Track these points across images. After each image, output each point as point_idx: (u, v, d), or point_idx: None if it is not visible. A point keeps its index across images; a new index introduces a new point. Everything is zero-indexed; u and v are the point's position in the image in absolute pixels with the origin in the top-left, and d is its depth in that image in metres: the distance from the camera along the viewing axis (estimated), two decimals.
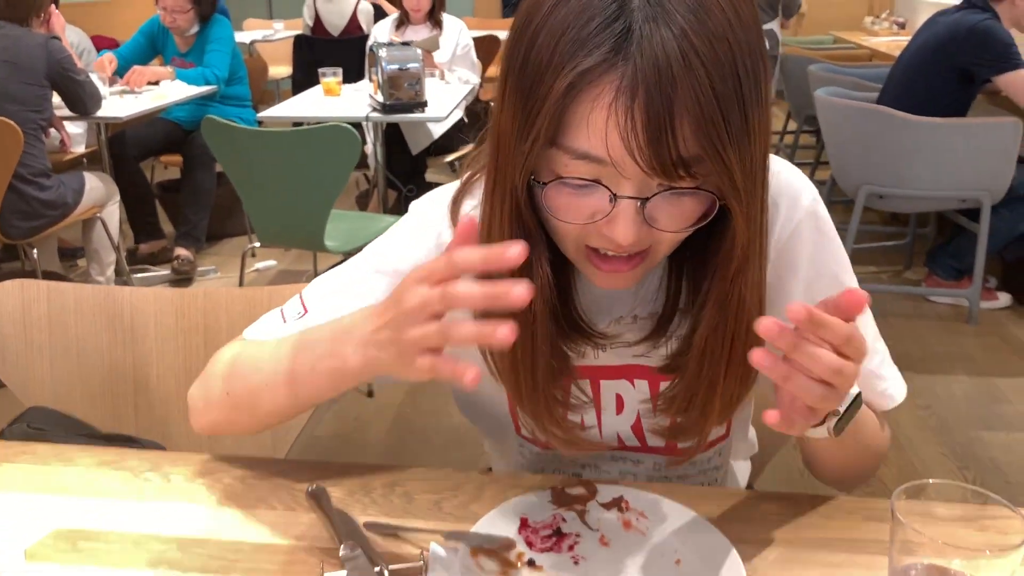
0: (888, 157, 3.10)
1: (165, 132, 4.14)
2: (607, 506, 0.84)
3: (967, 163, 3.08)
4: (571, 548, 0.80)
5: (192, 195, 3.98)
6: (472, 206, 0.85)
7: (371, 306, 0.73)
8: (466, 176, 0.87)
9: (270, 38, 6.22)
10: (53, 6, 3.50)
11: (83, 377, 1.34)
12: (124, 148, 3.93)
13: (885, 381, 0.91)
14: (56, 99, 3.21)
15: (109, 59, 3.88)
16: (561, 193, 0.71)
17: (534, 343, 0.79)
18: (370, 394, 2.85)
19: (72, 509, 0.88)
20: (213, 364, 0.93)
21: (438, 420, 2.71)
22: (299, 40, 5.46)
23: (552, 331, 0.81)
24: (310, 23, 5.73)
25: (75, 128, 3.96)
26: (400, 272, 0.87)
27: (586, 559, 0.78)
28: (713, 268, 0.76)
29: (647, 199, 0.68)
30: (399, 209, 3.90)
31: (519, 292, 0.59)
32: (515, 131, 0.70)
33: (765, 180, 0.73)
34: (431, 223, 0.90)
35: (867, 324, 0.89)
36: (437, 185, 0.95)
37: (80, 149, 4.08)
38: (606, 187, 0.68)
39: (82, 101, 3.21)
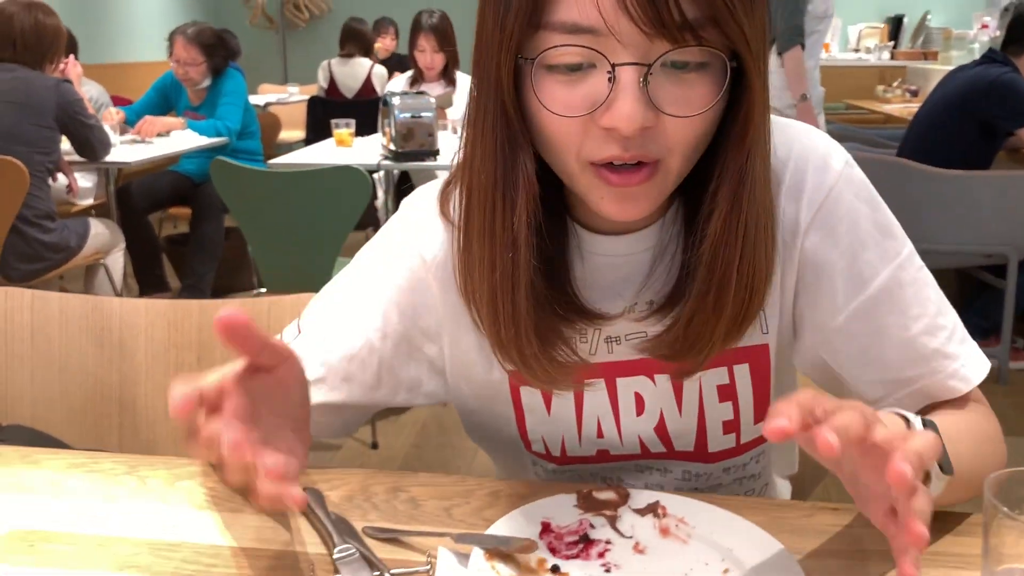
0: (909, 211, 3.00)
1: (174, 184, 4.11)
2: (641, 512, 0.73)
3: (992, 217, 3.00)
4: (601, 555, 0.68)
5: (199, 246, 3.93)
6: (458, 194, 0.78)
7: None
8: (455, 165, 0.79)
9: (285, 101, 6.27)
10: (72, 56, 3.51)
11: (65, 393, 1.25)
12: (132, 199, 3.89)
13: (955, 361, 0.79)
14: (66, 145, 3.18)
15: (116, 111, 3.88)
16: (553, 83, 0.64)
17: (515, 312, 0.72)
18: (374, 446, 2.73)
19: (32, 510, 0.78)
20: None
21: (445, 469, 2.58)
22: (313, 101, 5.49)
23: (543, 307, 0.73)
24: (324, 86, 5.77)
25: (84, 182, 3.93)
26: (381, 276, 0.84)
27: (619, 567, 0.67)
28: (725, 151, 0.69)
29: (649, 69, 0.61)
30: None
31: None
32: (496, 18, 0.64)
33: (767, 53, 0.66)
34: (409, 222, 0.85)
35: (927, 298, 0.79)
36: None
37: (88, 202, 4.05)
38: (603, 55, 0.61)
39: (91, 146, 3.18)
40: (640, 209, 0.69)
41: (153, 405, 1.26)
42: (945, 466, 0.65)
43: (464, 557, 0.66)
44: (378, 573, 0.65)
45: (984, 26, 5.25)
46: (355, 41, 5.68)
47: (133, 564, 0.70)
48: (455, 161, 0.78)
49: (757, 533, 0.69)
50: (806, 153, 0.77)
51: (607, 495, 0.75)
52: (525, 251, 0.70)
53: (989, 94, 3.02)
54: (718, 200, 0.69)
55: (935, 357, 0.78)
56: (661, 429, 0.84)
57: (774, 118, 0.74)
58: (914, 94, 5.57)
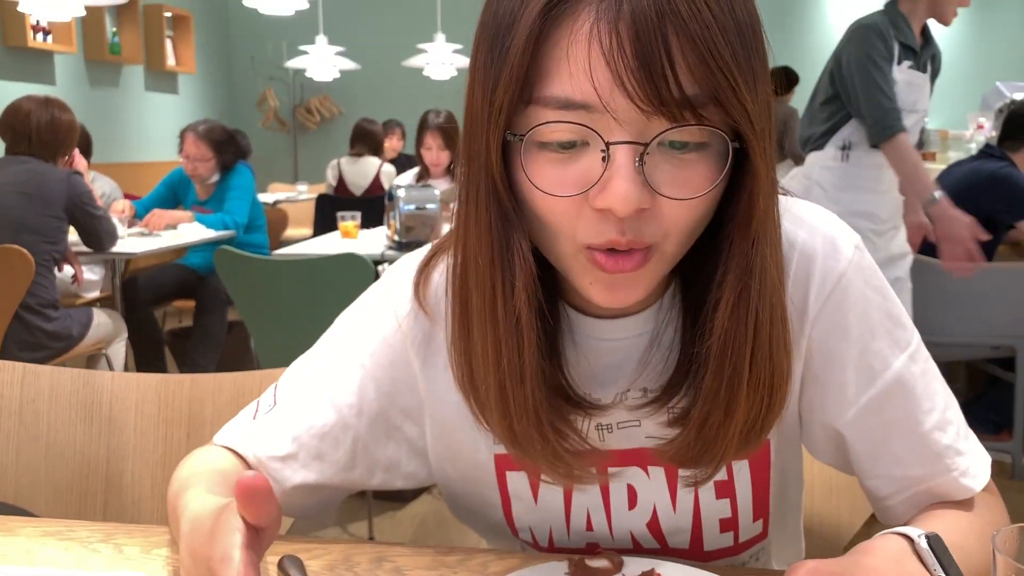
0: (916, 304, 3.01)
1: (179, 277, 4.13)
2: None
3: (997, 310, 2.98)
4: None
5: (202, 338, 3.92)
6: (440, 272, 0.75)
7: (206, 539, 0.59)
8: (436, 241, 0.78)
9: (294, 199, 6.37)
10: (76, 150, 3.58)
11: (50, 470, 1.22)
12: (137, 291, 3.91)
13: (966, 458, 0.74)
14: (74, 236, 3.22)
15: (125, 204, 3.94)
16: (544, 161, 0.61)
17: (526, 403, 0.67)
18: (371, 539, 2.66)
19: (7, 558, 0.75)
20: (175, 474, 0.82)
21: None
22: (322, 198, 5.57)
23: (544, 394, 0.68)
24: (333, 183, 5.87)
25: (90, 275, 3.96)
26: (358, 350, 0.80)
27: None
28: (729, 238, 0.64)
29: (646, 148, 0.58)
30: None
31: None
32: (484, 93, 0.61)
33: (772, 133, 0.62)
34: (389, 297, 0.81)
35: (936, 391, 0.75)
36: None
37: (93, 294, 4.07)
38: (597, 133, 0.58)
39: (98, 236, 3.22)
40: (632, 296, 0.65)
41: (140, 481, 1.22)
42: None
43: None
44: None
45: (980, 127, 5.35)
46: (365, 141, 5.81)
47: None
48: (435, 241, 0.76)
49: None
50: (814, 237, 0.74)
51: (600, 563, 0.71)
52: (529, 334, 0.65)
53: (988, 188, 3.04)
54: (724, 290, 0.65)
55: (947, 454, 0.74)
56: (654, 525, 0.79)
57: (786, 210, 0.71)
58: None
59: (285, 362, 0.87)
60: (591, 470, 0.71)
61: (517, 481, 0.79)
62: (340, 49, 6.39)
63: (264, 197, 5.78)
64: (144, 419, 1.23)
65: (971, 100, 6.24)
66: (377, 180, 5.81)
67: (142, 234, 3.79)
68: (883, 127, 2.50)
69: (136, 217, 3.95)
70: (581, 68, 0.57)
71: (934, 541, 0.62)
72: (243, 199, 4.12)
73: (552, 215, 0.62)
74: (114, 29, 6.40)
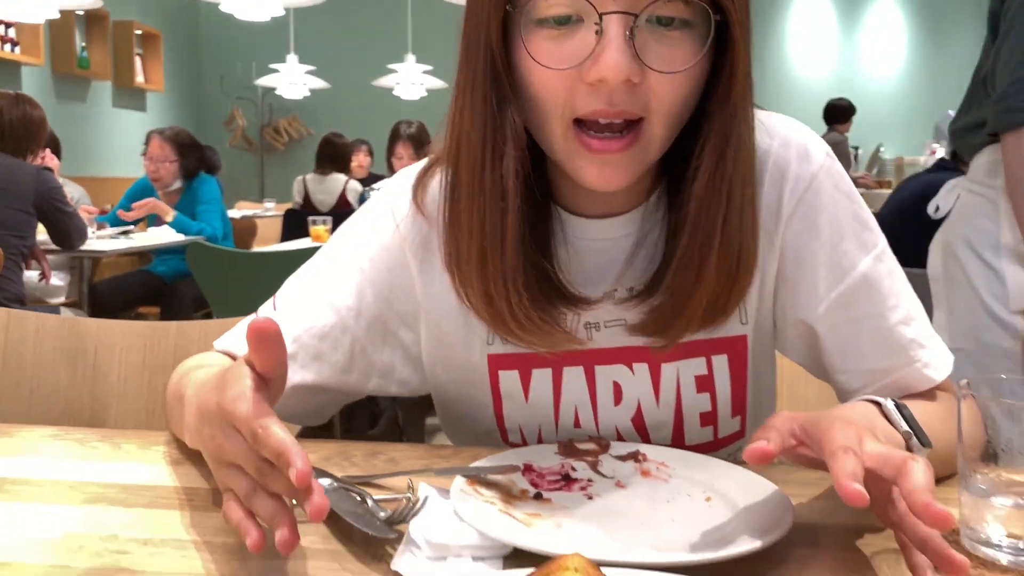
0: None
1: (145, 283, 4.11)
2: (622, 458, 0.74)
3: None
4: (583, 489, 0.68)
5: None
6: (438, 179, 0.79)
7: (214, 391, 0.61)
8: (434, 155, 0.82)
9: (261, 215, 6.36)
10: (48, 150, 3.57)
11: (33, 415, 1.22)
12: (104, 296, 3.88)
13: (929, 351, 0.79)
14: (41, 235, 3.20)
15: (89, 210, 3.94)
16: (541, 38, 0.66)
17: (505, 266, 0.72)
18: None
19: (4, 464, 0.77)
20: (172, 377, 0.85)
21: None
22: (289, 213, 5.58)
23: (533, 289, 0.73)
24: (300, 200, 5.87)
25: (57, 280, 3.92)
26: (357, 254, 0.84)
27: (601, 497, 0.67)
28: (710, 108, 0.70)
29: (636, 19, 0.64)
30: None
31: (311, 507, 0.52)
32: None
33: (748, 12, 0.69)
34: (388, 203, 0.85)
35: (902, 290, 0.80)
36: None
37: (60, 300, 4.03)
38: (591, 4, 0.64)
39: (68, 234, 3.21)
40: (620, 177, 0.69)
41: (123, 427, 1.23)
42: (922, 439, 0.66)
43: (445, 491, 0.65)
44: (360, 498, 0.65)
45: (933, 152, 5.53)
46: (332, 156, 5.82)
47: (104, 499, 0.69)
48: (433, 148, 0.81)
49: (738, 470, 0.70)
50: (788, 141, 0.79)
51: (588, 446, 0.75)
52: (514, 202, 0.71)
53: None
54: (703, 159, 0.70)
55: (911, 347, 0.79)
56: (638, 420, 0.83)
57: (766, 121, 0.78)
58: None
59: None
60: (557, 335, 0.75)
61: (509, 380, 0.82)
62: (311, 68, 6.43)
63: (231, 213, 5.76)
64: (128, 366, 1.24)
65: (925, 129, 6.45)
66: (343, 197, 5.82)
67: (113, 237, 3.78)
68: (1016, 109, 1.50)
69: (106, 221, 3.94)
70: None
71: (900, 406, 0.67)
72: (214, 210, 4.13)
73: (546, 90, 0.67)
74: (83, 43, 6.39)
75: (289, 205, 6.17)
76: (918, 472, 0.50)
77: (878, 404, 0.68)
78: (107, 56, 6.60)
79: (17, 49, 5.59)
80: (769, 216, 0.78)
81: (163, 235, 3.79)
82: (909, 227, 3.27)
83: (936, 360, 0.79)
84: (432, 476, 0.68)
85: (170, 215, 3.94)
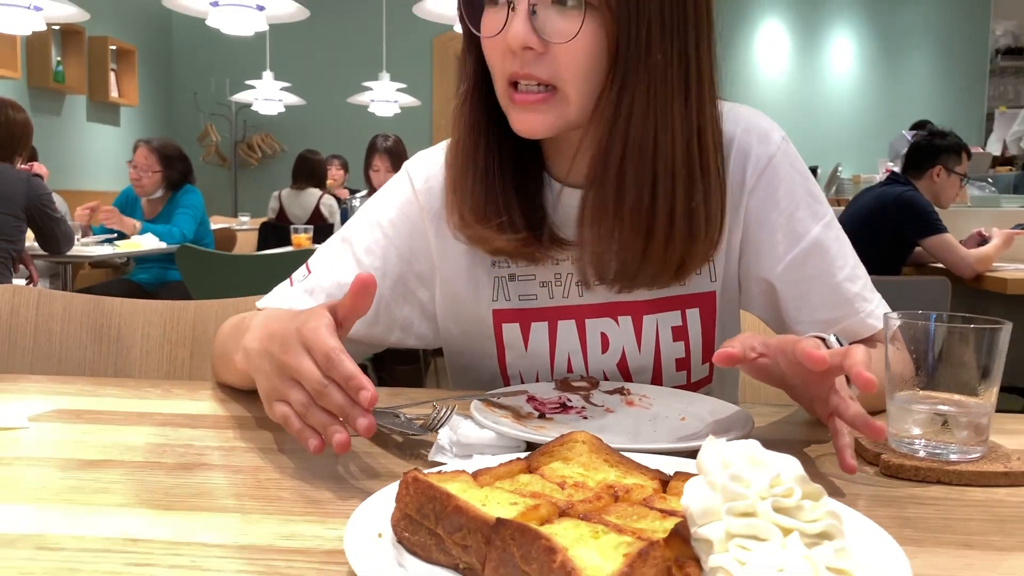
0: None
1: (126, 292, 4.17)
2: (609, 392, 0.87)
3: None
4: (579, 412, 0.81)
5: None
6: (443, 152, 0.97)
7: (288, 321, 0.71)
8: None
9: (236, 228, 6.43)
10: (35, 162, 3.65)
11: None
12: None
13: (872, 303, 0.94)
14: (29, 240, 3.27)
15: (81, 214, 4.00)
16: (485, 16, 0.85)
17: (490, 175, 0.90)
18: None
19: (70, 402, 0.88)
20: (219, 332, 0.98)
21: None
22: (265, 226, 5.67)
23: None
24: (273, 216, 5.97)
25: (41, 286, 3.99)
26: (383, 222, 0.98)
27: (594, 419, 0.80)
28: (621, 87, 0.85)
29: (535, 5, 0.81)
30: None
31: (364, 424, 0.63)
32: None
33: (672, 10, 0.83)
34: (408, 179, 1.00)
35: (848, 253, 0.95)
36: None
37: None
38: None
39: (55, 239, 3.28)
40: (538, 125, 0.85)
41: None
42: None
43: (465, 413, 0.78)
44: (396, 416, 0.77)
45: (888, 171, 5.76)
46: (308, 172, 5.92)
47: (171, 423, 0.80)
48: None
49: (708, 399, 0.83)
50: (751, 127, 0.95)
51: (580, 383, 0.88)
52: (497, 130, 0.89)
53: (895, 209, 3.34)
54: (594, 115, 0.86)
55: (856, 300, 0.94)
56: (623, 364, 0.96)
57: (725, 103, 0.93)
58: None
59: None
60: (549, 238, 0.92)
61: (511, 332, 0.96)
62: (286, 84, 6.54)
63: None
64: (150, 340, 1.35)
65: (881, 148, 6.71)
66: (317, 210, 5.93)
67: (97, 243, 3.85)
68: None
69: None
70: None
71: (840, 340, 0.81)
72: (192, 216, 4.20)
73: (489, 55, 0.86)
74: (59, 58, 6.45)
75: (264, 219, 6.27)
76: (859, 352, 0.64)
77: (823, 340, 0.82)
78: (82, 71, 6.66)
79: None
80: (736, 189, 0.93)
81: (146, 242, 3.87)
82: (861, 237, 3.46)
83: (877, 311, 0.94)
84: (454, 400, 0.81)
85: (136, 229, 4.00)
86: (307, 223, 5.85)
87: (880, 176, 6.05)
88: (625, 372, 0.96)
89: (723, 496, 0.43)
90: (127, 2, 7.42)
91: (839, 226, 0.97)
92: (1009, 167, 6.50)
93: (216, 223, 6.76)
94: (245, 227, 6.51)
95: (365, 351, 1.03)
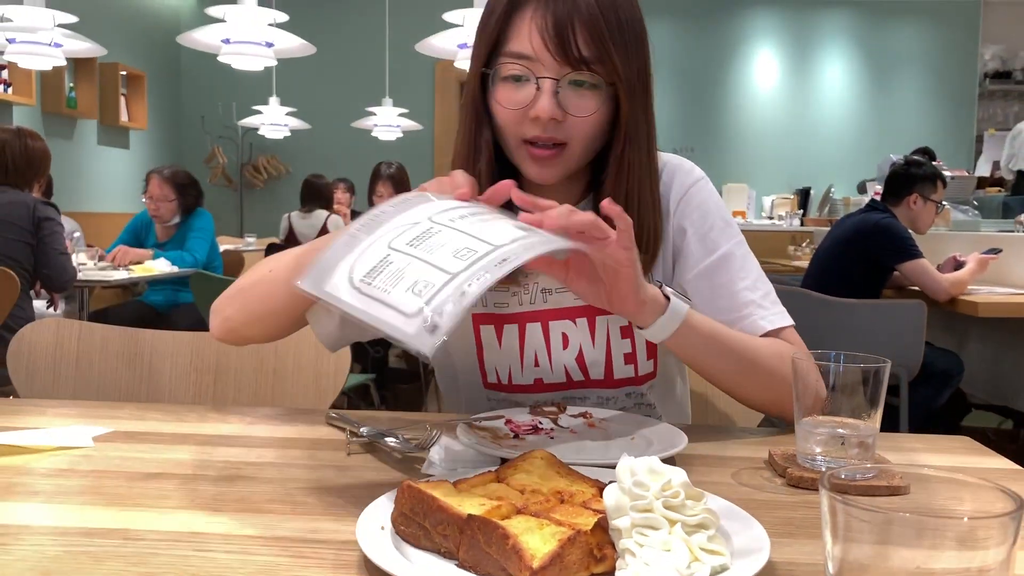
0: (810, 334, 3.42)
1: (139, 313, 4.36)
2: (575, 416, 1.04)
3: (882, 341, 3.42)
4: (548, 434, 0.98)
5: None
6: None
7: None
8: None
9: (243, 249, 6.61)
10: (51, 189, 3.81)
11: None
12: None
13: (766, 311, 1.11)
14: None
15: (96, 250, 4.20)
16: (504, 89, 1.04)
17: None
18: None
19: (120, 423, 1.05)
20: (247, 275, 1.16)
21: None
22: (271, 248, 5.85)
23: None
24: (283, 237, 6.16)
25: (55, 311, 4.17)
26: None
27: (560, 440, 0.97)
28: (612, 144, 1.08)
29: (559, 82, 1.01)
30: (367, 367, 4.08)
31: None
32: (476, 48, 1.07)
33: (648, 87, 1.07)
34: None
35: (751, 269, 1.13)
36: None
37: None
38: (532, 72, 1.02)
39: (47, 267, 3.31)
40: (551, 174, 1.07)
41: None
42: (679, 298, 0.97)
43: (452, 434, 0.95)
44: (393, 438, 0.94)
45: (877, 193, 5.93)
46: (316, 196, 6.11)
47: (211, 442, 0.97)
48: None
49: (660, 425, 1.00)
50: (675, 169, 1.18)
51: (551, 408, 1.05)
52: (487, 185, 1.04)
53: (873, 235, 3.52)
54: (607, 173, 1.09)
55: (750, 306, 1.11)
56: (580, 359, 1.14)
57: (665, 156, 1.15)
58: None
59: None
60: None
61: (487, 333, 1.16)
62: (291, 109, 6.75)
63: None
64: (178, 368, 1.52)
65: (871, 170, 6.89)
66: (324, 231, 6.12)
67: (108, 267, 4.03)
68: None
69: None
70: (526, 36, 1.02)
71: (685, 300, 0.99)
72: (204, 239, 4.39)
73: (507, 122, 1.06)
74: (71, 84, 6.66)
75: (270, 240, 6.46)
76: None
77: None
78: (94, 96, 6.87)
79: (10, 90, 5.85)
80: (667, 211, 1.15)
81: (159, 266, 4.05)
82: (841, 261, 3.64)
83: (771, 317, 1.11)
84: (444, 425, 0.98)
85: (149, 256, 4.18)
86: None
87: (868, 199, 6.24)
88: (583, 366, 1.14)
89: (629, 497, 0.60)
90: (138, 30, 7.64)
91: (748, 247, 1.16)
92: (998, 188, 6.68)
93: (223, 243, 6.95)
94: (252, 247, 6.69)
95: (357, 336, 1.15)
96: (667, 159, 1.18)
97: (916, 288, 3.66)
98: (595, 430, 1.00)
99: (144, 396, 1.51)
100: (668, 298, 0.96)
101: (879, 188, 6.17)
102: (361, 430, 0.96)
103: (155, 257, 4.18)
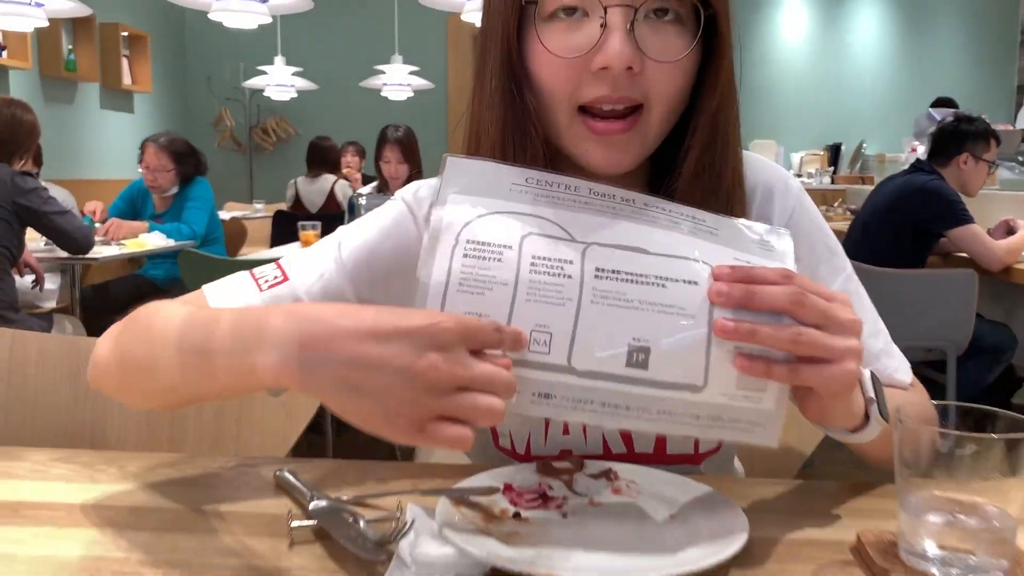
0: None
1: (138, 287, 4.15)
2: (595, 476, 0.80)
3: (929, 314, 3.15)
4: (559, 507, 0.74)
5: None
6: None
7: (375, 318, 0.59)
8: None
9: (250, 216, 6.39)
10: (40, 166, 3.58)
11: (37, 431, 1.27)
12: (97, 301, 3.92)
13: (896, 360, 0.88)
14: (33, 243, 3.22)
15: (97, 205, 3.96)
16: (552, 31, 0.74)
17: None
18: None
19: (16, 488, 0.82)
20: (138, 312, 0.81)
21: None
22: (279, 215, 5.62)
23: None
24: (290, 203, 5.93)
25: (49, 283, 3.96)
26: (372, 245, 0.85)
27: (575, 515, 0.73)
28: (699, 107, 0.78)
29: (636, 12, 0.72)
30: None
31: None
32: None
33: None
34: (395, 198, 0.90)
35: (868, 307, 0.89)
36: None
37: (51, 304, 4.06)
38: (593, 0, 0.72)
39: (65, 234, 3.14)
40: (624, 158, 0.77)
41: (124, 442, 1.28)
42: (883, 411, 0.71)
43: (431, 511, 0.71)
44: (352, 519, 0.70)
45: (913, 150, 5.61)
46: (321, 159, 5.88)
47: (114, 523, 0.74)
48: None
49: (704, 489, 0.76)
50: (771, 182, 0.89)
51: (563, 464, 0.81)
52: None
53: (919, 199, 3.23)
54: (694, 143, 0.79)
55: (880, 357, 0.88)
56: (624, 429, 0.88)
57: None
58: (855, 212, 5.86)
59: None
60: None
61: None
62: (298, 69, 6.46)
63: (221, 215, 5.79)
64: None
65: (906, 126, 6.54)
66: (332, 197, 5.88)
67: (103, 243, 3.81)
68: None
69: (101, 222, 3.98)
70: None
71: (875, 379, 0.73)
72: (202, 209, 4.16)
73: (555, 79, 0.75)
74: (70, 46, 6.41)
75: (279, 206, 6.23)
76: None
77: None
78: (94, 58, 6.61)
79: (4, 53, 5.60)
80: None
81: (155, 239, 3.82)
82: (884, 227, 3.35)
83: (901, 367, 0.89)
84: (419, 496, 0.74)
85: (146, 231, 3.95)
86: (323, 208, 5.82)
87: (905, 155, 5.90)
88: (626, 436, 0.88)
89: None
90: None
91: (857, 280, 0.91)
92: None
93: (231, 211, 6.75)
94: (260, 214, 6.47)
95: None
96: (749, 163, 0.87)
97: (963, 255, 3.38)
98: (621, 499, 0.76)
99: (89, 415, 1.28)
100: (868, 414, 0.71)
101: (916, 144, 5.84)
102: (312, 504, 0.73)
103: (150, 230, 3.95)
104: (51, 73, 6.18)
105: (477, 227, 0.65)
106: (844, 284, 0.89)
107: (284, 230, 5.28)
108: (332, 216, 5.13)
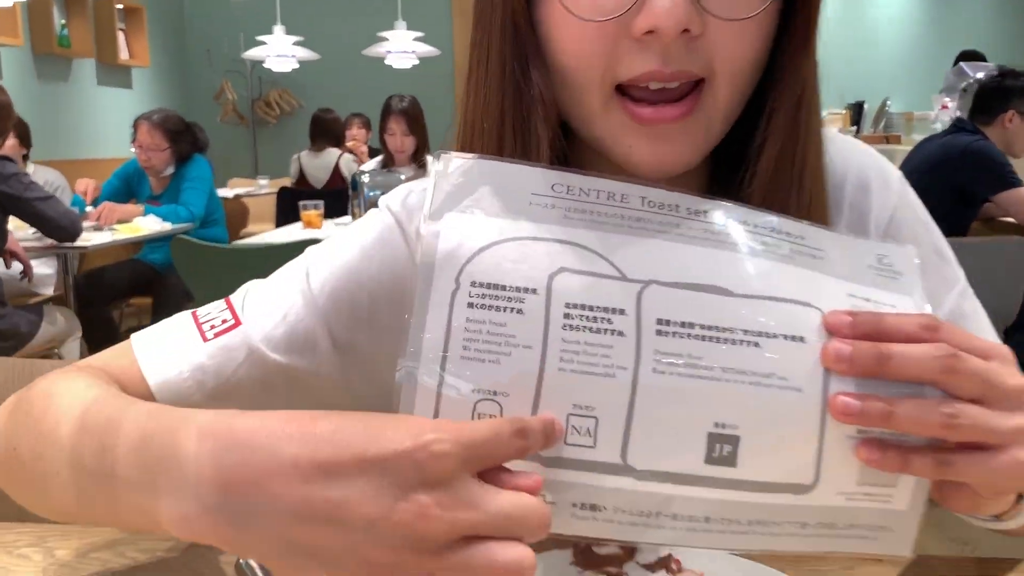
0: None
1: (136, 273, 3.98)
2: (651, 567, 0.61)
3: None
4: None
5: None
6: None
7: (332, 438, 0.40)
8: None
9: (254, 193, 6.21)
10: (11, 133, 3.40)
11: None
12: (93, 288, 3.76)
13: None
14: (20, 232, 3.05)
15: (88, 183, 3.78)
16: None
17: None
18: None
19: None
20: (34, 390, 0.60)
21: None
22: (283, 192, 5.45)
23: None
24: (295, 179, 5.75)
25: (44, 268, 3.80)
26: (350, 271, 0.66)
27: None
28: (777, 77, 0.59)
29: None
30: None
31: None
32: None
33: None
34: (380, 206, 0.71)
35: (986, 327, 0.72)
36: None
37: (48, 291, 3.90)
38: None
39: (50, 222, 2.99)
40: (680, 155, 0.57)
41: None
42: None
43: None
44: None
45: (944, 107, 5.33)
46: (325, 132, 5.69)
47: None
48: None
49: None
50: (864, 170, 0.70)
51: (609, 549, 0.63)
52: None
53: (962, 161, 3.01)
54: (772, 130, 0.59)
55: None
56: None
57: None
58: None
59: None
60: None
61: None
62: (298, 39, 6.23)
63: (224, 192, 5.61)
64: None
65: (934, 82, 6.25)
66: (337, 172, 5.68)
67: (95, 228, 3.63)
68: None
69: (94, 204, 3.80)
70: None
71: None
72: (200, 189, 3.97)
73: (582, 51, 0.55)
74: (63, 22, 6.19)
75: (283, 181, 6.04)
76: None
77: None
78: (89, 33, 6.40)
79: None
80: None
81: (150, 224, 3.64)
82: (925, 192, 3.14)
83: None
84: None
85: (139, 213, 3.76)
86: (328, 184, 5.63)
87: (935, 112, 5.63)
88: None
89: None
90: None
91: (972, 294, 0.73)
92: None
93: (234, 187, 6.56)
94: (264, 191, 6.30)
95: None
96: (835, 144, 0.68)
97: (1008, 220, 3.17)
98: None
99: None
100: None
101: (946, 101, 5.58)
102: None
103: (144, 214, 3.76)
104: (44, 50, 5.97)
105: (486, 261, 0.45)
106: (958, 301, 0.70)
107: (289, 207, 5.10)
108: (338, 192, 4.94)
